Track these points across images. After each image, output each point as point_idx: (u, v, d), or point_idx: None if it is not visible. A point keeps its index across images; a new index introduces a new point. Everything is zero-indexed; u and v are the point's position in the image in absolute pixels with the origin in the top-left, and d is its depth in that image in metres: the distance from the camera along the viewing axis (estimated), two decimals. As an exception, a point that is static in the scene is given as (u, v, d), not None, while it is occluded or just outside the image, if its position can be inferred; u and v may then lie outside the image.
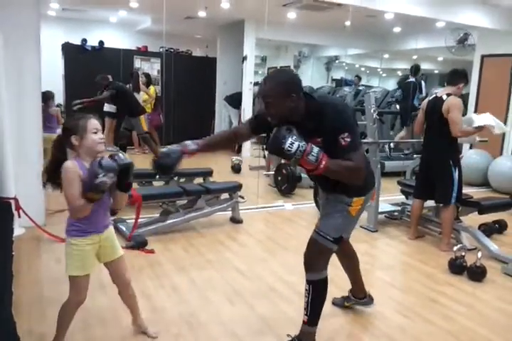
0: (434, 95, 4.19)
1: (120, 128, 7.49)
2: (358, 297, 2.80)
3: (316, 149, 2.01)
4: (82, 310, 2.66)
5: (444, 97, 4.01)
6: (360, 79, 10.88)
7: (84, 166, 2.06)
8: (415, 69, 7.87)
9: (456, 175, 4.03)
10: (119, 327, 2.56)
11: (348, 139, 2.02)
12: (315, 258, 2.28)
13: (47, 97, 6.07)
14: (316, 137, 2.09)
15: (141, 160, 6.78)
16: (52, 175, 2.11)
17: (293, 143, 1.96)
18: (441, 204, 4.22)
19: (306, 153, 1.98)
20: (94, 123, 2.10)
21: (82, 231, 2.12)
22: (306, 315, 2.32)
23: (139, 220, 3.92)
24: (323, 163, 2.00)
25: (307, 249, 2.32)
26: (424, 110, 4.24)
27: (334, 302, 2.88)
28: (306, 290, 2.29)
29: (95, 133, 2.09)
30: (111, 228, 2.29)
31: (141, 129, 7.04)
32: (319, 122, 2.08)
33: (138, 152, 8.47)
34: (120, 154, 2.08)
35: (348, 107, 2.24)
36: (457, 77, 4.07)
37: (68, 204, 2.05)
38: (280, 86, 2.04)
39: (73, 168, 2.03)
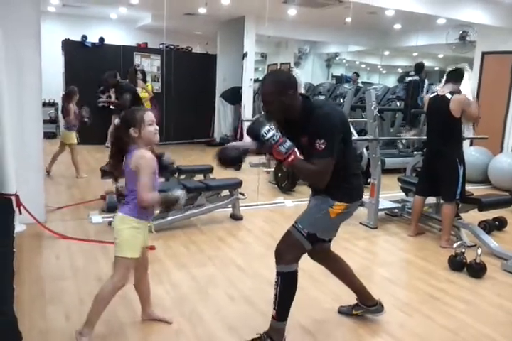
0: (435, 93, 4.19)
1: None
2: (367, 305, 2.69)
3: (288, 143, 2.15)
4: (82, 305, 2.68)
5: (449, 96, 4.01)
6: (358, 75, 10.83)
7: None
8: (419, 67, 7.80)
9: (461, 171, 4.05)
10: (118, 321, 2.57)
11: (323, 146, 2.13)
12: (285, 249, 2.31)
13: (72, 93, 6.10)
14: (304, 136, 2.23)
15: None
16: (116, 166, 2.30)
17: (269, 130, 2.13)
18: (441, 201, 4.24)
19: (278, 143, 2.13)
20: (150, 115, 2.25)
21: (145, 216, 2.28)
22: (274, 309, 2.32)
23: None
24: (292, 157, 2.14)
25: (280, 240, 2.37)
26: (426, 108, 4.23)
27: (340, 311, 2.78)
28: (275, 282, 2.31)
29: (151, 124, 2.23)
30: None
31: None
32: (307, 122, 2.21)
33: None
34: (167, 154, 2.36)
35: (337, 116, 2.25)
36: (458, 76, 4.12)
37: (139, 191, 2.16)
38: (277, 84, 2.21)
39: (152, 158, 2.20)
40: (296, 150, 2.17)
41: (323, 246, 2.56)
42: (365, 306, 2.69)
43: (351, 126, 5.48)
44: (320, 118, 2.19)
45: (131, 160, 2.19)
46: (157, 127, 2.26)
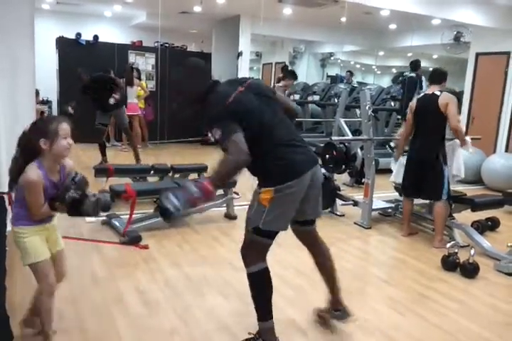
0: (423, 94, 4.29)
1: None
2: (334, 308, 2.61)
3: (191, 185, 2.04)
4: (75, 305, 2.68)
5: (438, 93, 4.10)
6: (352, 74, 10.84)
7: (46, 174, 2.05)
8: (415, 65, 7.79)
9: (446, 171, 4.09)
10: (112, 320, 2.56)
11: (219, 132, 2.08)
12: (245, 251, 2.32)
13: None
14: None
15: (128, 157, 6.76)
16: (18, 177, 2.04)
17: (171, 201, 2.00)
18: (430, 201, 4.27)
19: (189, 194, 2.01)
20: (65, 127, 2.06)
21: (30, 221, 2.10)
22: (256, 311, 2.32)
23: (133, 216, 3.92)
24: (207, 186, 2.02)
25: (242, 244, 2.36)
26: (414, 109, 4.24)
27: (319, 315, 2.71)
28: (249, 285, 2.31)
29: (65, 138, 2.05)
30: (55, 219, 2.27)
31: (126, 120, 6.85)
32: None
33: (125, 149, 8.35)
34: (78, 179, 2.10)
35: (221, 102, 2.17)
36: (442, 76, 4.23)
37: (31, 209, 2.05)
38: (185, 71, 2.39)
39: (38, 180, 2.01)
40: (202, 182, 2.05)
41: (302, 229, 2.48)
42: (332, 310, 2.61)
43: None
44: (208, 107, 2.20)
45: (23, 174, 2.02)
46: (71, 141, 2.07)
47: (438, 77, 4.22)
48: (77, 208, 2.08)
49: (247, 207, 2.36)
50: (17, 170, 2.06)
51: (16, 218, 2.12)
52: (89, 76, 6.58)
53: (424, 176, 4.15)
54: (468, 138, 4.28)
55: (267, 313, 2.32)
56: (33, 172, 2.01)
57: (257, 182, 2.32)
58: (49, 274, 2.16)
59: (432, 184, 4.13)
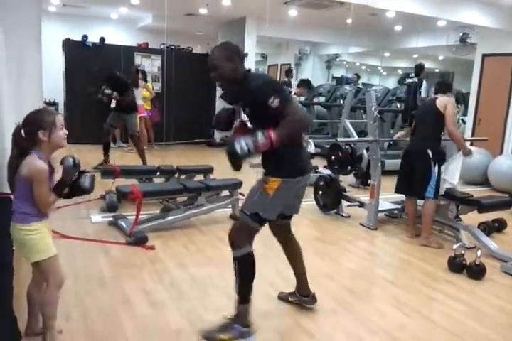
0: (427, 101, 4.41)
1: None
2: (302, 294, 2.83)
3: (259, 133, 2.21)
4: (82, 305, 2.69)
5: (438, 96, 4.27)
6: (359, 77, 10.84)
7: (46, 162, 2.09)
8: (418, 69, 7.79)
9: (435, 170, 4.11)
10: (118, 320, 2.56)
11: (277, 100, 2.21)
12: (235, 234, 2.44)
13: None
14: (246, 108, 2.41)
15: (134, 158, 6.78)
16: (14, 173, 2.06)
17: (241, 144, 2.19)
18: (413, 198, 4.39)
19: (256, 141, 2.19)
20: (60, 118, 2.14)
21: (39, 217, 2.12)
22: (237, 293, 2.41)
23: (140, 217, 3.93)
24: (272, 135, 2.18)
25: (230, 228, 2.48)
26: (416, 112, 4.50)
27: (279, 296, 2.92)
28: (233, 268, 2.41)
29: (61, 129, 2.12)
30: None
31: (136, 127, 6.89)
32: (247, 95, 2.36)
33: (131, 150, 8.35)
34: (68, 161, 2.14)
35: (270, 79, 2.46)
36: (446, 88, 4.37)
37: (41, 201, 2.06)
38: (225, 50, 2.44)
39: (45, 169, 2.04)
40: (267, 130, 2.21)
41: (281, 223, 2.66)
42: (299, 295, 2.83)
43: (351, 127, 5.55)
44: (257, 86, 2.30)
45: (23, 167, 2.03)
46: (66, 132, 2.13)
47: (442, 88, 4.35)
48: (77, 187, 2.17)
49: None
50: (16, 166, 2.06)
51: (27, 216, 2.11)
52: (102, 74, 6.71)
53: (413, 171, 4.22)
54: (472, 148, 4.46)
55: (247, 295, 2.43)
56: (38, 161, 2.04)
57: (264, 170, 2.47)
58: (59, 270, 2.19)
59: (418, 179, 4.19)
